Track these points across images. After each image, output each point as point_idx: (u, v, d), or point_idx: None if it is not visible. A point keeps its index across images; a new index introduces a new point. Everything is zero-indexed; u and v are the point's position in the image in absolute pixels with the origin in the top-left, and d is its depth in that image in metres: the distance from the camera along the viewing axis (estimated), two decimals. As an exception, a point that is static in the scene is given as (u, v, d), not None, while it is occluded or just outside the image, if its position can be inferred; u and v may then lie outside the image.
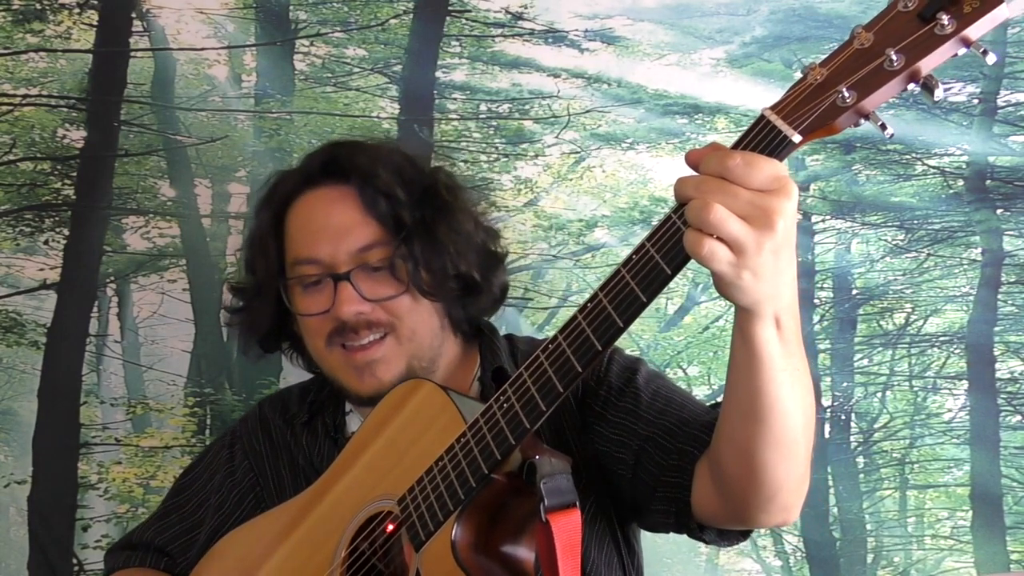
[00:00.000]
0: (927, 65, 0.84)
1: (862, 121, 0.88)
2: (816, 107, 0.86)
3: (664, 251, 0.91)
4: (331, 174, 1.36)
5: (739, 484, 1.05)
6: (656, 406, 1.23)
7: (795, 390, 0.98)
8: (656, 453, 1.19)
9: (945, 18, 0.82)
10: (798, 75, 0.90)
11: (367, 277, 1.30)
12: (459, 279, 1.34)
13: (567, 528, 1.01)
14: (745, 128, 0.89)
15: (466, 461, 1.04)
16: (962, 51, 0.84)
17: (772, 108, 0.88)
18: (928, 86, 0.85)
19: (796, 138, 0.87)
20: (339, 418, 1.39)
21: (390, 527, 1.13)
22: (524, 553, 1.05)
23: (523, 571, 1.05)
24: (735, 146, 0.89)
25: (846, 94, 0.85)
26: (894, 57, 0.84)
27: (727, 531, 1.18)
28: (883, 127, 0.87)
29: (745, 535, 1.20)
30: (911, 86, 0.86)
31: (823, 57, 0.88)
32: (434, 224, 1.34)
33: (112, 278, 2.05)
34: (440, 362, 1.36)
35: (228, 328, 2.04)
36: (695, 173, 0.90)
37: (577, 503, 1.03)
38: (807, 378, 1.01)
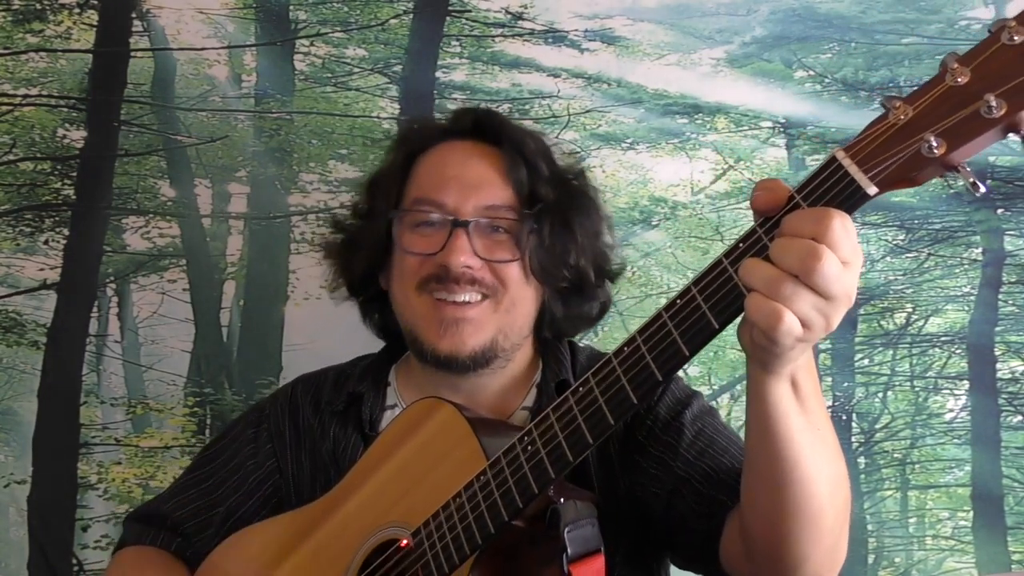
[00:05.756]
0: None
1: (947, 173, 0.74)
2: (897, 155, 0.74)
3: (712, 301, 0.82)
4: (479, 132, 1.33)
5: (763, 550, 1.00)
6: (697, 446, 1.18)
7: (817, 452, 0.92)
8: (689, 496, 1.14)
9: None
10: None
11: (485, 236, 1.25)
12: (575, 272, 1.29)
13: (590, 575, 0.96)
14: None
15: (486, 504, 0.99)
16: None
17: (846, 150, 0.77)
18: None
19: (872, 190, 0.76)
20: (376, 413, 1.33)
21: (404, 542, 1.10)
22: None
23: None
24: (800, 190, 0.79)
25: (934, 143, 0.72)
26: (994, 103, 0.70)
27: None
28: (974, 185, 0.73)
29: None
30: (1010, 136, 0.72)
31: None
32: (569, 210, 1.30)
33: (112, 278, 2.05)
34: (516, 356, 1.31)
35: (230, 328, 2.04)
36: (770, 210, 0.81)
37: (602, 548, 0.98)
38: (833, 443, 0.95)
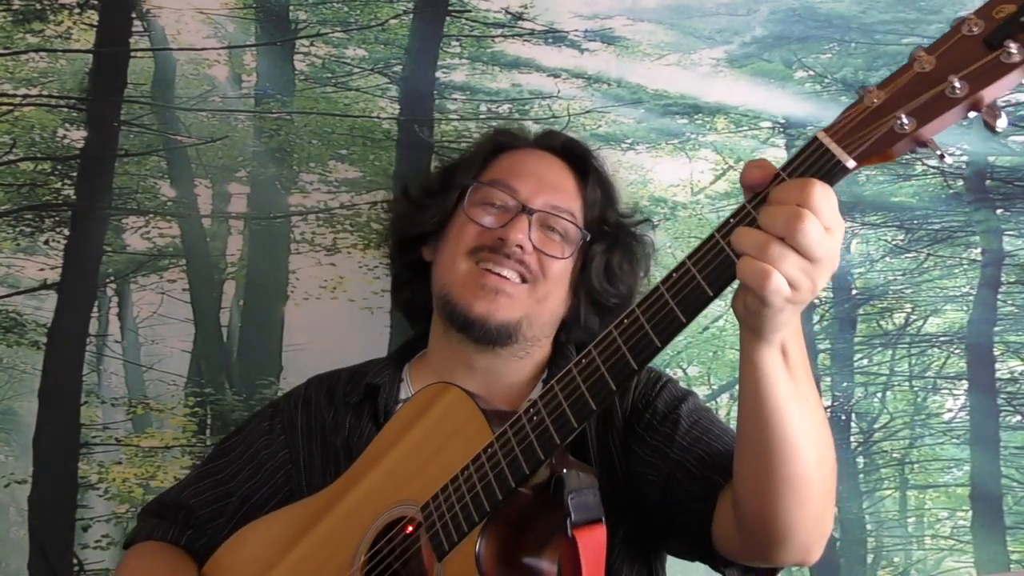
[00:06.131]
0: (991, 94, 0.80)
1: (918, 148, 0.84)
2: (872, 132, 0.83)
3: (707, 272, 0.89)
4: (567, 153, 1.48)
5: (755, 521, 1.04)
6: (692, 434, 1.24)
7: (805, 422, 0.97)
8: (684, 479, 1.20)
9: (1013, 47, 0.78)
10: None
11: (544, 231, 1.39)
12: (626, 291, 1.43)
13: (592, 543, 1.00)
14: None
15: (493, 473, 1.03)
16: None
17: (826, 131, 0.85)
18: (991, 116, 0.81)
19: (850, 164, 0.84)
20: (391, 404, 1.40)
21: (410, 528, 1.13)
22: (547, 566, 1.05)
23: None
24: (785, 167, 0.87)
25: (905, 120, 0.82)
26: (957, 84, 0.80)
27: (751, 569, 1.17)
28: (941, 156, 0.84)
29: (772, 574, 1.17)
30: (971, 114, 0.82)
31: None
32: (632, 241, 1.47)
33: (112, 278, 2.05)
34: (534, 352, 1.40)
35: (230, 328, 2.04)
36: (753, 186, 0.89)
37: (603, 519, 1.02)
38: (819, 412, 1.00)
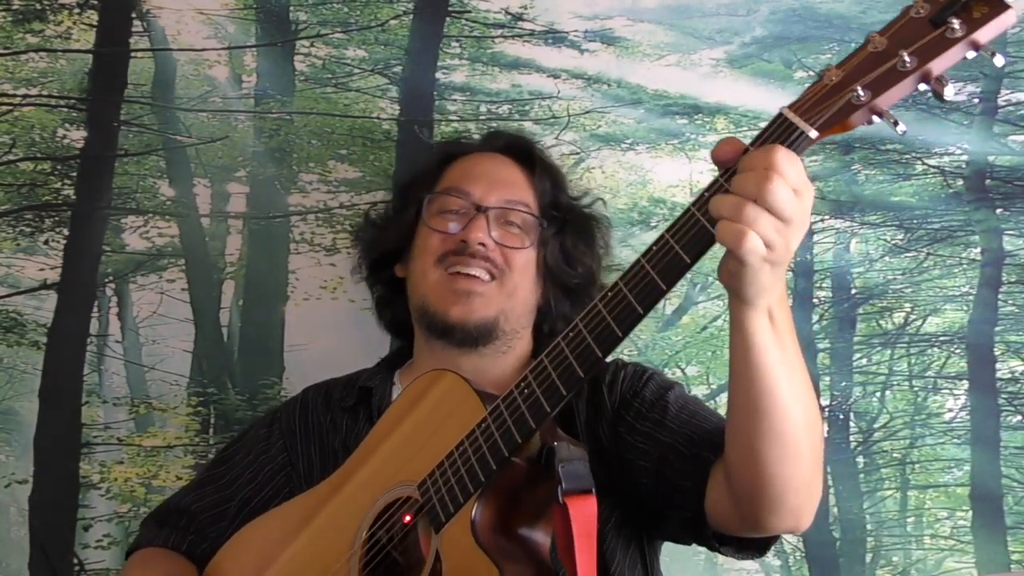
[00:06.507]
0: (938, 66, 0.89)
1: (875, 118, 0.92)
2: (832, 105, 0.91)
3: (684, 242, 0.95)
4: (512, 149, 1.54)
5: (747, 487, 1.07)
6: (681, 417, 1.28)
7: (793, 385, 1.01)
8: (675, 460, 1.23)
9: (956, 23, 0.87)
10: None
11: (502, 226, 1.44)
12: (586, 272, 1.49)
13: (583, 512, 1.04)
14: (762, 127, 0.94)
15: (487, 445, 1.07)
16: (971, 54, 0.89)
17: (790, 107, 0.93)
18: (939, 86, 0.89)
19: (813, 134, 0.91)
20: (384, 406, 1.43)
21: (407, 518, 1.15)
22: (541, 537, 1.09)
23: (540, 554, 1.08)
24: (753, 142, 0.93)
25: (861, 93, 0.90)
26: (907, 58, 0.88)
27: (745, 544, 1.19)
28: (895, 124, 0.92)
29: (763, 551, 1.21)
30: (922, 86, 0.90)
31: (839, 60, 0.93)
32: (587, 220, 1.53)
33: (111, 278, 2.05)
34: (516, 345, 1.44)
35: (230, 328, 2.05)
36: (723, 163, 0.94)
37: (593, 490, 1.06)
38: (805, 377, 1.04)
